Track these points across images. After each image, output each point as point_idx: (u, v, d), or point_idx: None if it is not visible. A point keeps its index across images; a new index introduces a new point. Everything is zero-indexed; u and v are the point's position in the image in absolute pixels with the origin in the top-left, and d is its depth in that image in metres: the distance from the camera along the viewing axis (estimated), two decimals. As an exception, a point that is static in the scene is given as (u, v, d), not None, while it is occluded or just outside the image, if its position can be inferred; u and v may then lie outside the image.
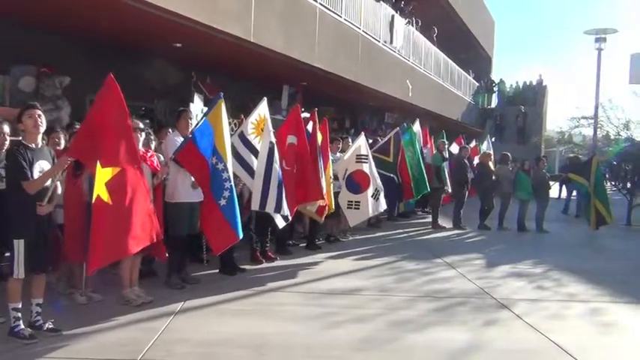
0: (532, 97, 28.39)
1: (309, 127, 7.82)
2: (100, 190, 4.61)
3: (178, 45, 9.62)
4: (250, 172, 6.90)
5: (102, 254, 4.68)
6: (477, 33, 28.19)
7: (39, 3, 7.26)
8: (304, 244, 9.11)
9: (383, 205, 9.58)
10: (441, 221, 12.41)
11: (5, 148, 4.86)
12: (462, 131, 20.90)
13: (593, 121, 20.74)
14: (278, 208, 7.04)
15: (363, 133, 9.68)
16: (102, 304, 5.55)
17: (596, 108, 19.84)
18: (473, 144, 17.43)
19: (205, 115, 6.10)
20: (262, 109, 7.11)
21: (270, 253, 7.95)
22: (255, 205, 6.98)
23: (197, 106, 9.13)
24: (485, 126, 27.00)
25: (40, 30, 8.05)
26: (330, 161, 8.48)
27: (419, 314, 5.69)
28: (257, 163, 6.92)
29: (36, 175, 4.39)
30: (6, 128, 4.81)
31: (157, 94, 10.49)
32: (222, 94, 6.17)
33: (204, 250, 7.29)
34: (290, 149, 7.38)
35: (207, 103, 9.35)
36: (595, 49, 18.40)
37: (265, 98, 7.22)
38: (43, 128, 4.55)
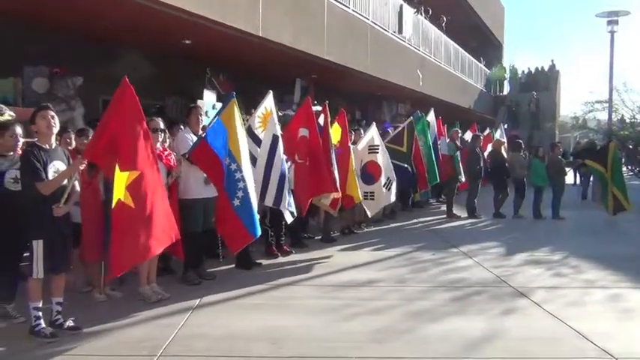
0: (545, 82, 28.03)
1: (321, 119, 7.78)
2: (121, 194, 4.64)
3: (187, 42, 9.65)
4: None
5: (125, 258, 4.72)
6: (487, 20, 27.99)
7: (49, 4, 7.31)
8: (319, 237, 9.11)
9: (393, 195, 9.53)
10: (456, 210, 12.36)
11: (19, 149, 4.88)
12: (474, 119, 20.75)
13: (607, 105, 20.42)
14: (277, 202, 6.98)
15: (374, 123, 9.64)
16: (120, 301, 5.60)
17: (611, 91, 19.57)
18: (486, 132, 17.28)
19: (218, 114, 6.09)
20: (268, 102, 7.09)
21: (285, 247, 7.96)
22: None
23: (208, 102, 9.15)
24: (497, 113, 26.75)
25: (50, 31, 8.12)
26: (352, 152, 8.46)
27: (435, 304, 5.67)
28: (259, 155, 6.89)
29: (51, 175, 4.43)
30: (19, 130, 4.83)
31: (167, 92, 10.53)
32: (234, 93, 6.19)
33: (220, 246, 7.31)
34: (302, 142, 7.36)
35: (220, 99, 9.38)
36: (607, 31, 18.12)
37: (271, 91, 7.20)
38: (56, 129, 4.58)
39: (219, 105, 7.90)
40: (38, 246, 4.39)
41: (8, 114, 6.04)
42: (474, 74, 25.24)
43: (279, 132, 6.90)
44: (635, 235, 10.56)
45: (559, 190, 12.31)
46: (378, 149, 9.11)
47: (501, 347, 4.49)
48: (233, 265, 7.08)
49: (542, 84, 27.93)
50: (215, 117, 6.12)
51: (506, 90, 30.42)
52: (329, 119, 7.85)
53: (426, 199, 14.28)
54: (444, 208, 13.02)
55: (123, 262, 4.73)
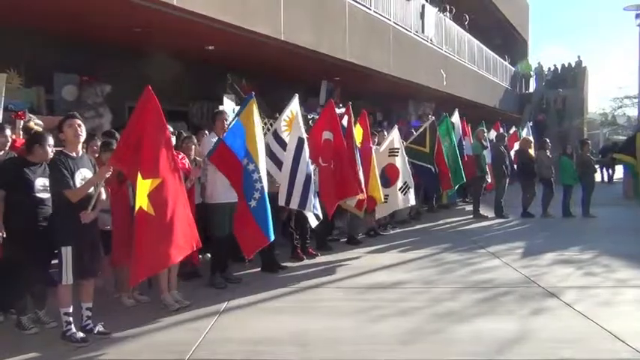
0: (572, 79, 27.57)
1: (344, 121, 7.76)
2: (142, 202, 4.67)
3: (210, 48, 9.74)
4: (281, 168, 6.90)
5: (146, 266, 4.75)
6: (512, 17, 27.68)
7: (75, 17, 7.45)
8: (345, 240, 9.09)
9: (412, 200, 9.42)
10: (482, 210, 12.21)
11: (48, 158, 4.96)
12: (500, 118, 20.50)
13: (637, 100, 20.00)
14: (302, 205, 6.94)
15: (396, 126, 9.56)
16: (148, 305, 5.65)
17: (640, 87, 19.18)
18: (512, 130, 17.08)
19: (237, 115, 6.10)
20: (294, 106, 7.07)
21: (311, 250, 7.96)
22: (281, 201, 6.92)
23: (228, 108, 9.21)
24: (523, 111, 26.39)
25: (78, 40, 8.26)
26: (374, 153, 8.43)
27: (464, 305, 5.60)
28: (284, 158, 6.88)
29: (78, 183, 4.50)
30: (52, 141, 4.91)
31: (192, 98, 10.64)
32: (253, 93, 6.18)
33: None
34: (326, 145, 7.34)
35: (240, 103, 9.43)
36: (636, 25, 17.76)
37: (297, 95, 7.20)
38: (83, 137, 4.66)
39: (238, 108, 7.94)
40: (67, 252, 4.46)
41: (34, 122, 6.15)
42: (498, 72, 24.94)
43: (304, 135, 6.89)
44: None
45: (589, 187, 12.08)
46: (397, 152, 9.04)
47: (532, 349, 4.41)
48: (258, 269, 7.10)
49: (569, 81, 27.50)
50: (234, 118, 6.12)
51: (532, 88, 30.02)
52: (352, 120, 7.81)
53: (454, 201, 14.10)
54: (470, 208, 12.89)
55: (143, 269, 4.77)
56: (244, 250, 6.19)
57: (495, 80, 24.30)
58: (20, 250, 4.70)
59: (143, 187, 4.67)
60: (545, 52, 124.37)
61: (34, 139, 4.94)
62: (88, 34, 8.17)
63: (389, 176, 8.86)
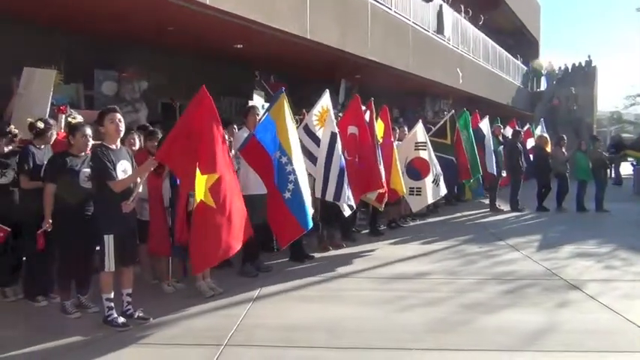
0: (582, 78, 27.07)
1: (367, 116, 7.64)
2: (202, 195, 4.67)
3: (239, 46, 9.67)
4: (316, 163, 6.81)
5: (208, 256, 4.78)
6: (524, 17, 27.25)
7: (112, 16, 7.42)
8: (367, 231, 8.99)
9: (443, 189, 9.30)
10: (499, 204, 12.02)
11: (88, 149, 4.93)
12: (512, 115, 20.20)
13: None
14: (337, 197, 6.86)
15: (420, 120, 9.41)
16: (184, 292, 5.60)
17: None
18: (526, 127, 16.80)
19: (267, 110, 6.03)
20: (325, 101, 6.98)
21: (336, 241, 7.87)
22: (317, 193, 6.87)
23: (257, 104, 9.14)
24: (535, 109, 25.99)
25: (114, 38, 8.23)
26: (395, 147, 8.30)
27: (489, 297, 5.48)
28: (319, 152, 6.80)
29: (119, 174, 4.45)
30: (88, 131, 4.88)
31: (221, 93, 10.57)
32: (283, 89, 6.09)
33: (275, 239, 7.27)
34: (351, 139, 7.24)
35: (269, 100, 9.36)
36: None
37: (327, 90, 7.11)
38: (123, 132, 4.63)
39: (267, 105, 7.87)
40: (109, 240, 4.42)
41: (73, 116, 6.14)
42: (511, 71, 24.63)
43: (336, 129, 6.80)
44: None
45: (602, 183, 11.84)
46: (424, 146, 8.90)
47: (559, 340, 4.28)
48: (287, 259, 7.03)
49: (579, 79, 27.00)
50: (264, 113, 6.04)
51: (542, 86, 29.55)
52: (374, 115, 7.68)
53: (481, 194, 13.62)
54: (486, 202, 12.71)
55: (206, 260, 4.81)
56: (279, 240, 6.16)
57: (508, 79, 23.98)
58: (67, 238, 4.69)
59: (202, 181, 4.70)
60: (556, 52, 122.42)
61: (75, 128, 4.92)
62: (123, 33, 8.13)
63: (419, 169, 8.73)
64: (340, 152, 6.78)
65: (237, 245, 5.03)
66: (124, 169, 4.51)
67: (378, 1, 11.63)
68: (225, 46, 9.46)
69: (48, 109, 5.89)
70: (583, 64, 28.10)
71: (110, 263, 4.43)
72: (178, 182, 5.44)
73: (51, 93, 5.95)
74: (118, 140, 4.62)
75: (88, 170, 4.72)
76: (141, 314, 4.71)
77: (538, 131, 16.21)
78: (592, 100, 26.74)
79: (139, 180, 4.61)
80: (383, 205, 7.72)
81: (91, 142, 4.89)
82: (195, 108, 4.85)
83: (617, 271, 6.54)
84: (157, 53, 8.86)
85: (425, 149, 8.90)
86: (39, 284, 5.19)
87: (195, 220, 4.80)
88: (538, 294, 5.59)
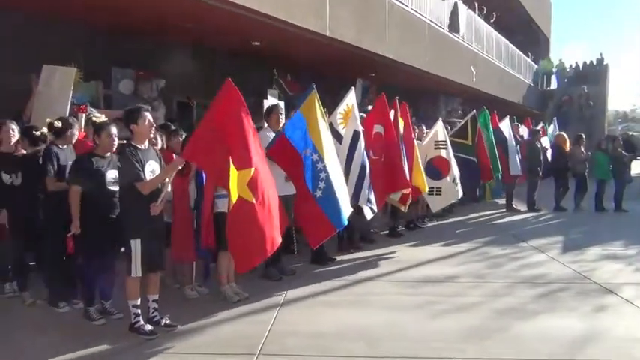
0: (594, 76, 26.80)
1: (391, 115, 7.46)
2: (242, 192, 4.47)
3: (257, 43, 9.51)
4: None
5: (252, 253, 4.56)
6: (535, 15, 27.00)
7: (127, 11, 7.27)
8: (386, 232, 8.82)
9: (460, 191, 9.12)
10: (515, 204, 11.84)
11: (114, 149, 4.79)
12: (523, 114, 19.99)
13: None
14: (355, 197, 6.69)
15: (440, 119, 9.21)
16: (208, 297, 5.45)
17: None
18: (540, 126, 16.59)
19: (298, 107, 5.84)
20: (350, 99, 6.79)
21: (356, 242, 7.71)
22: None
23: (271, 102, 8.98)
24: (547, 108, 25.76)
25: (129, 36, 8.08)
26: (416, 144, 8.13)
27: (522, 301, 5.31)
28: (340, 151, 6.57)
29: (147, 175, 4.30)
30: (114, 130, 4.72)
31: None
32: (314, 85, 5.91)
33: (295, 241, 7.12)
34: (377, 138, 7.07)
35: (285, 99, 9.21)
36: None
37: (353, 88, 6.93)
38: (154, 131, 4.48)
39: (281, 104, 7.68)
40: (137, 245, 4.26)
41: (94, 115, 6.01)
42: (522, 69, 24.37)
43: (360, 128, 6.62)
44: None
45: (621, 183, 11.65)
46: (444, 145, 8.72)
47: (606, 348, 4.12)
48: (307, 261, 6.87)
49: (590, 78, 26.74)
50: (295, 110, 5.86)
51: (553, 84, 29.27)
52: (398, 114, 7.50)
53: (500, 195, 13.43)
54: (501, 202, 12.54)
55: (252, 257, 4.59)
56: (310, 240, 6.00)
57: (519, 77, 23.74)
58: (92, 242, 4.55)
59: (240, 177, 4.48)
60: (567, 50, 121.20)
61: (100, 128, 4.76)
62: (141, 30, 7.99)
63: (439, 169, 8.55)
64: (363, 151, 6.60)
65: (279, 238, 4.84)
66: (152, 169, 4.35)
67: (395, -1, 11.46)
68: (243, 44, 9.31)
69: (68, 108, 5.75)
70: (595, 62, 27.85)
71: (137, 269, 4.28)
72: (205, 183, 5.29)
73: (71, 91, 5.81)
74: (147, 140, 4.46)
75: (114, 172, 4.58)
76: (168, 321, 4.56)
77: (550, 130, 16.02)
78: (604, 98, 26.51)
79: (166, 181, 4.46)
80: (407, 207, 7.53)
81: (117, 142, 4.75)
82: (221, 102, 4.64)
83: (649, 274, 6.37)
84: (174, 51, 8.69)
85: (445, 148, 8.73)
86: (62, 289, 5.05)
87: (234, 219, 4.53)
88: (572, 298, 5.42)
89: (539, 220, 10.70)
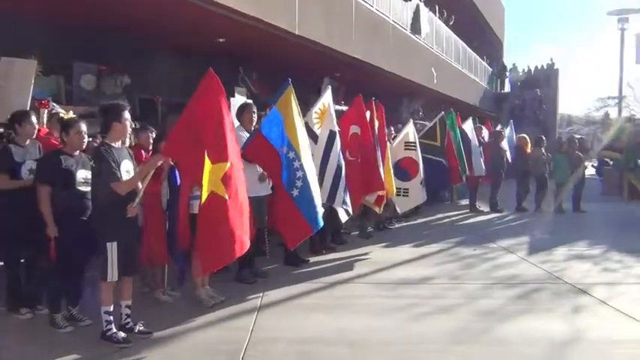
0: (545, 80, 27.65)
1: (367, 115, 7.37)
2: (214, 186, 4.24)
3: (222, 40, 9.27)
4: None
5: (220, 254, 4.34)
6: (489, 19, 27.59)
7: (90, 6, 6.93)
8: (356, 233, 8.75)
9: (425, 193, 9.15)
10: (478, 204, 12.00)
11: (84, 147, 4.51)
12: (480, 116, 20.37)
13: (623, 100, 20.19)
14: (331, 199, 6.59)
15: (411, 120, 9.22)
16: (181, 302, 5.23)
17: (620, 88, 19.39)
18: (498, 127, 16.91)
19: (273, 102, 5.66)
20: (326, 98, 6.66)
21: (328, 244, 7.60)
22: None
23: (239, 101, 8.78)
24: (501, 110, 26.39)
25: (92, 29, 7.70)
26: (388, 147, 8.07)
27: (500, 302, 5.32)
28: (315, 151, 6.45)
29: (123, 174, 4.07)
30: (84, 127, 4.44)
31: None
32: (290, 80, 5.75)
33: (267, 243, 6.94)
34: (353, 139, 6.98)
35: (251, 98, 9.00)
36: (618, 29, 17.86)
37: (330, 87, 6.83)
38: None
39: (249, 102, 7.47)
40: (113, 248, 4.02)
41: (58, 111, 5.70)
42: (479, 72, 24.87)
43: (336, 128, 6.50)
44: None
45: (579, 184, 11.98)
46: (414, 146, 8.72)
47: (589, 351, 4.16)
48: (279, 264, 6.71)
49: (542, 82, 27.56)
50: (271, 106, 5.68)
51: (506, 88, 30.03)
52: (375, 115, 7.42)
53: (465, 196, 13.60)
54: (464, 202, 12.71)
55: (218, 258, 4.36)
56: (288, 242, 5.82)
57: (476, 79, 24.20)
58: (62, 246, 4.26)
59: (215, 171, 4.26)
60: (521, 55, 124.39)
61: (69, 125, 4.45)
62: (104, 23, 7.62)
63: (408, 170, 8.52)
64: (338, 152, 6.49)
65: (248, 242, 4.63)
66: (127, 169, 4.12)
67: (361, -2, 11.42)
68: (208, 40, 9.04)
69: (29, 102, 5.40)
70: (545, 67, 28.71)
71: (114, 273, 4.04)
72: (178, 183, 5.06)
73: (32, 85, 5.45)
74: (122, 139, 4.21)
75: (84, 171, 4.31)
76: (142, 328, 4.34)
77: (507, 132, 16.34)
78: (555, 102, 27.37)
79: (141, 181, 4.22)
80: (382, 208, 7.47)
81: (86, 139, 4.47)
82: (203, 92, 4.44)
83: (617, 274, 6.51)
84: (138, 46, 8.35)
85: (415, 149, 8.72)
86: (23, 294, 4.73)
87: (204, 215, 4.33)
88: (548, 299, 5.47)
89: (503, 221, 10.87)
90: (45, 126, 5.51)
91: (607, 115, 38.05)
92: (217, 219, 4.32)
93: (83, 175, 4.30)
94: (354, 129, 7.02)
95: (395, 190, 8.42)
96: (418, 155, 8.70)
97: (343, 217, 6.82)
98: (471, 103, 22.66)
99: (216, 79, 4.41)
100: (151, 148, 5.47)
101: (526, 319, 4.83)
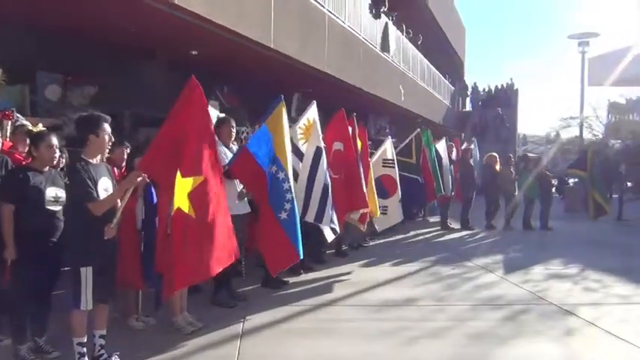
0: (505, 99, 28.32)
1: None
2: (181, 202, 3.95)
3: (194, 53, 8.98)
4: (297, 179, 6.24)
5: (184, 275, 4.03)
6: (452, 39, 28.08)
7: (58, 13, 6.54)
8: (332, 251, 8.51)
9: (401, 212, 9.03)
10: (449, 222, 11.98)
11: (55, 162, 4.15)
12: (443, 134, 20.57)
13: (586, 120, 20.83)
14: (319, 218, 6.37)
15: (389, 137, 9.09)
16: (159, 329, 4.86)
17: (582, 109, 20.02)
18: (464, 145, 17.07)
19: (263, 120, 5.40)
20: (311, 113, 6.42)
21: (307, 263, 7.32)
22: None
23: (212, 115, 8.48)
24: (465, 128, 26.81)
25: (59, 38, 7.29)
26: (371, 165, 7.88)
27: (489, 325, 5.16)
28: (301, 168, 6.23)
29: (101, 193, 3.73)
30: (55, 141, 4.08)
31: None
32: (282, 96, 5.51)
33: (243, 263, 6.63)
34: (336, 156, 6.76)
35: (223, 111, 8.70)
36: (579, 52, 18.41)
37: (315, 102, 6.59)
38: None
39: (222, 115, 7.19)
40: (87, 273, 3.66)
41: (23, 123, 5.31)
42: (442, 90, 25.21)
43: (322, 144, 6.26)
44: (626, 245, 10.28)
45: (547, 201, 12.14)
46: (392, 163, 8.58)
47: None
48: (257, 285, 6.41)
49: (502, 101, 28.19)
50: (260, 123, 5.41)
51: (467, 106, 30.62)
52: (356, 132, 7.24)
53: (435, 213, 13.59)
54: (432, 219, 12.69)
55: (180, 279, 4.08)
56: (270, 267, 5.50)
57: (440, 98, 24.51)
58: (26, 270, 3.86)
59: (183, 186, 3.97)
60: (494, 72, 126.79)
61: (39, 138, 4.08)
62: (71, 32, 7.22)
63: (386, 187, 8.35)
64: (325, 169, 6.25)
65: (218, 266, 4.32)
66: (105, 187, 3.78)
67: (333, 14, 11.30)
68: (181, 53, 8.73)
69: (-9, 113, 4.98)
70: (505, 87, 29.40)
71: (88, 301, 3.68)
72: (155, 201, 4.73)
73: (-6, 93, 5.04)
74: (99, 155, 3.88)
75: (55, 189, 3.95)
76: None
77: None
78: (514, 121, 28.01)
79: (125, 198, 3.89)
80: (365, 226, 7.27)
81: (58, 154, 4.11)
82: (185, 102, 4.18)
83: (598, 293, 6.47)
84: (106, 56, 7.95)
85: (393, 167, 8.59)
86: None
87: (172, 231, 4.07)
88: (537, 321, 5.33)
89: (475, 239, 10.85)
90: (8, 139, 5.10)
91: (558, 135, 39.69)
92: (181, 238, 4.05)
93: (53, 193, 3.93)
94: (337, 145, 6.82)
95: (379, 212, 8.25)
96: (396, 173, 8.56)
97: (329, 236, 6.58)
98: (436, 121, 22.88)
99: (199, 88, 4.15)
100: (124, 164, 5.16)
101: (519, 344, 4.68)
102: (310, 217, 6.20)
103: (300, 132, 6.32)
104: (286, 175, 5.22)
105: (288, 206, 5.21)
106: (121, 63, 7.99)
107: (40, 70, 6.93)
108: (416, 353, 4.42)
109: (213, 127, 4.47)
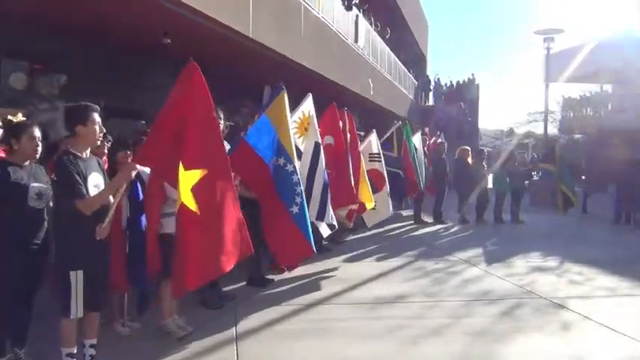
0: (467, 94, 28.67)
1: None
2: (185, 198, 3.65)
3: (167, 41, 8.54)
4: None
5: (197, 273, 3.74)
6: (416, 33, 28.19)
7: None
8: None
9: (391, 207, 8.90)
10: (423, 215, 11.95)
11: (37, 156, 3.76)
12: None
13: (551, 115, 21.19)
14: (321, 216, 6.11)
15: (374, 130, 8.85)
16: (145, 334, 4.54)
17: (546, 104, 20.44)
18: (432, 140, 17.12)
19: (263, 109, 5.08)
20: (307, 106, 6.12)
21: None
22: None
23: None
24: (428, 123, 26.94)
25: (23, 24, 6.79)
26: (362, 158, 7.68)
27: (487, 321, 5.06)
28: (300, 166, 5.90)
29: (91, 190, 3.40)
30: (38, 133, 3.70)
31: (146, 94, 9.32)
32: (283, 85, 5.21)
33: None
34: (328, 150, 6.48)
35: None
36: (544, 48, 18.69)
37: (310, 94, 6.31)
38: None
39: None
40: (77, 278, 3.34)
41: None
42: (407, 85, 25.25)
43: (320, 139, 5.99)
44: (595, 238, 10.47)
45: (518, 195, 12.26)
46: (378, 157, 8.39)
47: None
48: (242, 284, 6.13)
49: (465, 96, 28.52)
50: (260, 112, 5.11)
51: (430, 101, 30.84)
52: (347, 126, 7.00)
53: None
54: (405, 213, 12.64)
55: (192, 278, 3.76)
56: (283, 261, 5.28)
57: (405, 92, 24.54)
58: (5, 275, 3.49)
59: (186, 179, 3.67)
60: (444, 69, 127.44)
61: (20, 129, 3.69)
62: (39, 18, 6.72)
63: (374, 182, 8.14)
64: (324, 166, 5.99)
65: (228, 263, 4.01)
66: (95, 183, 3.45)
67: (309, 5, 11.02)
68: (153, 41, 8.28)
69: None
70: (467, 82, 29.76)
71: (78, 308, 3.36)
72: (141, 198, 4.40)
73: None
74: (89, 148, 3.53)
75: (39, 185, 3.59)
76: (109, 370, 3.66)
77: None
78: (475, 115, 28.39)
79: (117, 194, 3.57)
80: (352, 222, 7.07)
81: (41, 147, 3.74)
82: (183, 87, 3.87)
83: (585, 286, 6.49)
84: (76, 44, 7.46)
85: (380, 161, 8.40)
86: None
87: (178, 227, 3.81)
88: (532, 316, 5.28)
89: (450, 233, 10.84)
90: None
91: (511, 130, 40.56)
92: (186, 235, 3.77)
93: (36, 189, 3.56)
94: (328, 139, 6.57)
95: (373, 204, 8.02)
96: (383, 167, 8.38)
97: (325, 232, 6.36)
98: (402, 115, 22.90)
99: (198, 71, 3.85)
100: (105, 158, 4.79)
101: (520, 339, 4.59)
102: (312, 216, 5.92)
103: (295, 126, 5.99)
104: (294, 167, 4.99)
105: (298, 200, 5.01)
106: (91, 51, 7.53)
107: (3, 58, 6.41)
108: (421, 352, 4.28)
109: (216, 114, 4.14)
